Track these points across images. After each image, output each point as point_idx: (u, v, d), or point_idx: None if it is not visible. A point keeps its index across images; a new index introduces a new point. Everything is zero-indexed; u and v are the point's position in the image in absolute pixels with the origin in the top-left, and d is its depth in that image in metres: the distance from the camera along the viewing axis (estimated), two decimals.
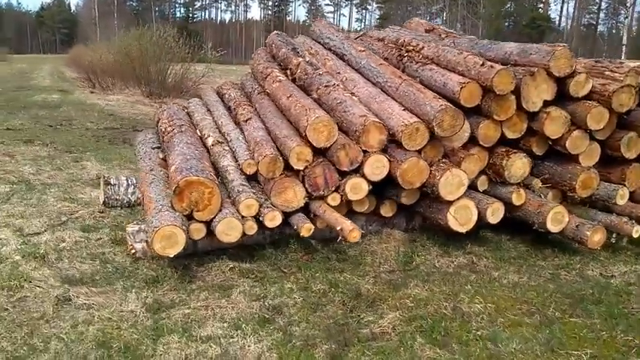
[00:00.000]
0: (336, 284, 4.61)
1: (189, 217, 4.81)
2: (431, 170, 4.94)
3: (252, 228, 4.87)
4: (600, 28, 58.65)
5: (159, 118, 7.25)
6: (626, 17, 37.26)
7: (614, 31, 60.42)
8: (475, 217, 5.08)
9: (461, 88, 5.10)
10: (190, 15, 78.82)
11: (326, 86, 5.74)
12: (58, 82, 25.69)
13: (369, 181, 5.00)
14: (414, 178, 4.95)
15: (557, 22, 60.23)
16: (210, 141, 6.21)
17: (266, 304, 4.36)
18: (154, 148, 6.76)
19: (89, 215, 6.25)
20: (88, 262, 5.04)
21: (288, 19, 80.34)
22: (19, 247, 5.17)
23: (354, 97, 5.46)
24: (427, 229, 5.76)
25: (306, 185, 4.94)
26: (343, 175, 5.01)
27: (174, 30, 22.00)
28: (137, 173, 7.68)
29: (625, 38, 34.55)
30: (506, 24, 52.29)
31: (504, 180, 5.31)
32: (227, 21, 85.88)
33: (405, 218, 5.72)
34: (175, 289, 4.59)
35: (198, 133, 6.55)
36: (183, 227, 4.48)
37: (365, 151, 4.95)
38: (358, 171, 4.98)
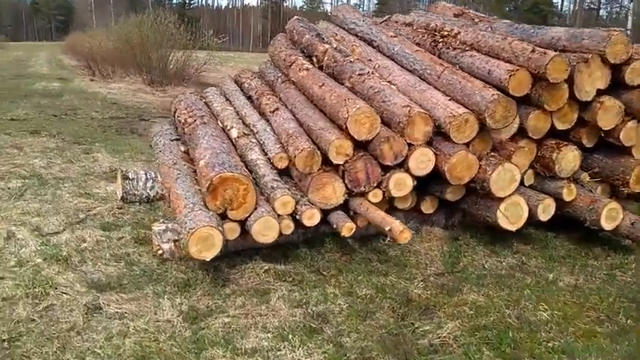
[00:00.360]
0: (383, 289, 4.30)
1: (222, 216, 4.48)
2: (480, 165, 4.61)
3: (289, 227, 4.55)
4: (601, 12, 58.24)
5: (176, 109, 6.90)
6: (632, 1, 36.80)
7: (613, 16, 59.98)
8: (526, 215, 4.76)
9: (510, 76, 4.76)
10: (187, 1, 77.99)
11: (360, 74, 5.39)
12: (56, 70, 25.20)
13: (414, 177, 4.67)
14: (463, 173, 4.63)
15: (559, 7, 59.77)
16: (234, 133, 5.87)
17: (309, 311, 4.05)
18: (173, 140, 6.43)
19: (108, 212, 5.91)
20: (112, 264, 4.71)
21: (285, 4, 79.68)
22: (39, 248, 4.84)
23: (392, 86, 5.12)
24: (468, 225, 5.45)
25: (346, 181, 4.61)
26: (385, 169, 4.69)
27: (175, 16, 21.56)
28: (153, 166, 7.38)
29: (629, 23, 34.13)
30: (507, 9, 51.77)
31: (554, 174, 4.99)
32: (223, 7, 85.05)
33: (444, 215, 5.40)
34: (209, 294, 4.28)
35: (220, 125, 6.21)
36: (220, 228, 4.15)
37: (409, 144, 4.62)
38: (402, 165, 4.65)
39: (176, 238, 4.83)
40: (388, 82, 5.20)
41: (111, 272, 4.55)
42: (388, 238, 4.36)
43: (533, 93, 4.86)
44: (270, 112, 5.76)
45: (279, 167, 5.11)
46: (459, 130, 4.57)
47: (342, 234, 4.54)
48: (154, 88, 19.04)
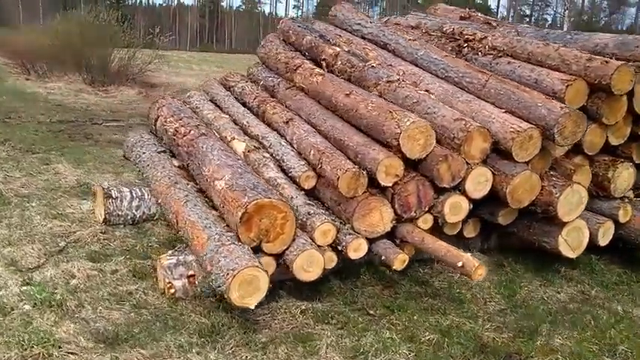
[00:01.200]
0: (448, 332, 3.71)
1: (255, 250, 3.77)
2: (543, 186, 4.09)
3: (332, 260, 3.91)
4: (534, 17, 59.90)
5: (157, 115, 6.08)
6: (566, 9, 37.77)
7: (541, 22, 61.86)
8: (587, 240, 4.29)
9: (567, 86, 4.27)
10: None
11: (388, 81, 4.79)
12: None
13: (470, 199, 4.11)
14: (524, 195, 4.10)
15: (496, 12, 61.05)
16: (241, 146, 5.14)
17: None
18: (159, 153, 5.64)
19: (90, 237, 5.06)
20: (115, 307, 3.92)
21: (222, 4, 77.98)
22: (22, 289, 3.98)
23: (431, 96, 4.53)
24: (506, 249, 4.94)
25: (396, 205, 3.99)
26: (438, 192, 4.10)
27: (119, 13, 20.40)
28: (128, 180, 6.55)
29: (565, 27, 35.01)
30: None
31: (608, 194, 4.53)
32: (158, 5, 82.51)
33: (479, 237, 4.86)
34: (244, 344, 3.58)
35: (217, 136, 5.46)
36: (264, 269, 3.45)
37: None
38: (457, 187, 4.08)
39: (190, 273, 4.09)
40: (426, 90, 4.61)
41: (117, 319, 3.77)
42: (456, 269, 3.75)
43: (590, 105, 4.38)
44: (284, 122, 5.07)
45: (306, 187, 4.46)
46: (522, 147, 4.04)
47: (394, 267, 3.92)
48: (96, 88, 17.81)
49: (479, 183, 4.06)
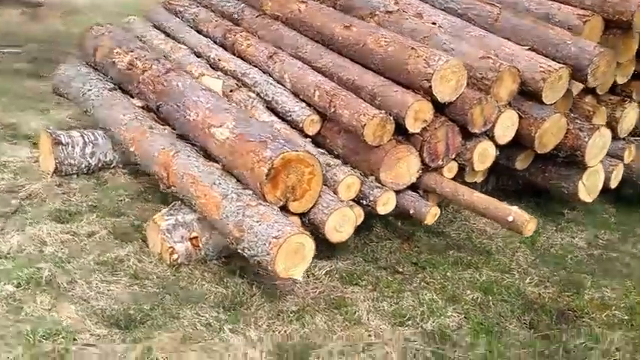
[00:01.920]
0: (488, 289, 3.52)
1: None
2: (569, 129, 3.91)
3: (360, 217, 3.56)
4: None
5: (97, 46, 5.28)
6: None
7: None
8: (602, 184, 4.20)
9: (584, 22, 4.05)
10: None
11: (387, 12, 4.36)
12: None
13: (497, 145, 3.86)
14: (551, 140, 3.91)
15: None
16: (216, 84, 4.55)
17: (422, 329, 3.16)
18: (110, 90, 4.92)
19: (46, 192, 4.34)
20: (112, 279, 3.39)
21: None
22: None
23: (440, 29, 4.17)
24: (501, 190, 4.78)
25: (425, 154, 3.66)
26: (464, 138, 3.81)
27: None
28: (50, 117, 5.74)
29: None
30: None
31: (615, 134, 4.43)
32: None
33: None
34: (276, 315, 3.21)
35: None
36: (309, 234, 3.04)
37: None
38: (486, 132, 3.80)
39: (193, 235, 3.60)
40: (433, 22, 4.22)
41: (119, 294, 3.25)
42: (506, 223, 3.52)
43: (603, 42, 4.20)
44: (267, 56, 4.52)
45: (310, 134, 4.02)
46: (553, 89, 3.79)
47: (425, 222, 3.64)
48: None
49: (506, 127, 3.81)
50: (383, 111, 3.53)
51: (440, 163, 3.75)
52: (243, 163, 3.34)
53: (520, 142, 3.93)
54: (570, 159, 4.00)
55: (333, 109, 3.76)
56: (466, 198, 3.57)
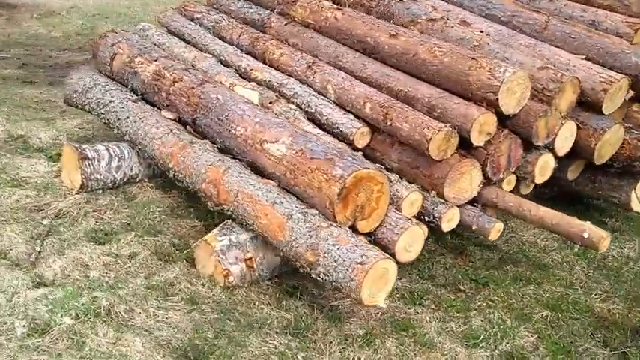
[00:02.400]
0: (556, 305, 3.45)
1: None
2: (625, 139, 3.85)
3: (425, 234, 3.44)
4: None
5: (114, 54, 5.09)
6: None
7: None
8: None
9: (635, 30, 4.00)
10: None
11: (431, 19, 4.26)
12: None
13: (556, 157, 3.79)
14: (608, 150, 3.85)
15: None
16: (252, 95, 4.40)
17: (497, 352, 3.08)
18: (135, 102, 4.72)
19: (75, 210, 4.15)
20: (168, 306, 3.23)
21: None
22: (40, 293, 3.13)
23: (488, 37, 4.08)
24: (536, 198, 4.70)
25: (488, 167, 3.57)
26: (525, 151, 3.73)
27: None
28: (57, 127, 5.52)
29: None
30: None
31: None
32: None
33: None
34: (344, 340, 3.09)
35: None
36: (392, 258, 2.91)
37: None
38: (546, 145, 3.72)
39: (248, 256, 3.46)
40: (480, 31, 4.13)
41: (179, 322, 3.10)
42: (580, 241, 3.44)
43: None
44: (306, 66, 4.38)
45: (359, 147, 3.90)
46: (612, 99, 3.73)
47: (490, 238, 3.55)
48: None
49: (565, 139, 3.74)
50: (448, 124, 3.43)
51: (501, 176, 3.66)
52: (307, 181, 3.20)
53: (577, 153, 3.85)
54: (625, 169, 3.95)
55: (389, 122, 3.64)
56: (533, 213, 3.48)
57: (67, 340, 2.80)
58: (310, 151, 3.28)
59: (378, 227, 3.25)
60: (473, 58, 3.57)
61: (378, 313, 3.36)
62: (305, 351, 2.97)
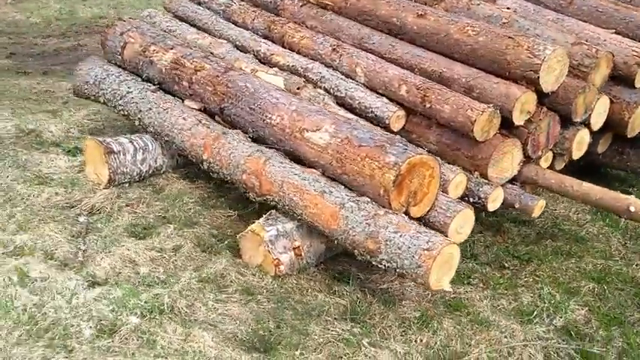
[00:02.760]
0: (601, 278, 3.56)
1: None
2: None
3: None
4: None
5: (124, 42, 5.02)
6: None
7: None
8: None
9: None
10: None
11: None
12: None
13: (591, 132, 3.86)
14: (638, 123, 3.93)
15: None
16: (277, 81, 4.39)
17: (553, 326, 3.18)
18: (154, 92, 4.68)
19: (108, 205, 4.13)
20: (224, 298, 3.27)
21: None
22: (99, 293, 3.14)
23: (515, 13, 4.11)
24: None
25: (529, 146, 3.63)
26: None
27: None
28: (62, 119, 5.46)
29: None
30: None
31: None
32: None
33: None
34: (402, 324, 3.17)
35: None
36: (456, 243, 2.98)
37: None
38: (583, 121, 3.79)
39: (296, 244, 3.49)
40: (507, 7, 4.16)
41: (240, 314, 3.14)
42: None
43: None
44: (331, 49, 4.38)
45: (395, 130, 3.93)
46: None
47: (533, 215, 3.62)
48: None
49: (599, 114, 3.82)
50: (491, 105, 3.47)
51: (539, 154, 3.74)
52: (356, 170, 3.23)
53: (610, 126, 3.94)
54: None
55: (428, 105, 3.68)
56: (576, 189, 3.56)
57: (137, 340, 2.83)
58: (357, 138, 3.30)
59: (428, 211, 3.29)
60: (509, 37, 3.61)
61: (428, 294, 3.44)
62: (368, 336, 3.03)
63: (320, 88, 4.27)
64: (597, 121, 3.83)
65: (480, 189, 3.55)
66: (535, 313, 3.26)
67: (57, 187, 4.33)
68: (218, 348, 2.82)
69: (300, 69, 4.42)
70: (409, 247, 2.85)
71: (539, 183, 3.71)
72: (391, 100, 3.96)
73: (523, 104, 3.51)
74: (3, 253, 3.43)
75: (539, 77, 3.47)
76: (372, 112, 3.95)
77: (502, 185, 3.68)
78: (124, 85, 4.82)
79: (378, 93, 4.03)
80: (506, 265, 3.67)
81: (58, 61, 8.13)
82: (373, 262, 3.06)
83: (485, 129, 3.49)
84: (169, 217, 4.06)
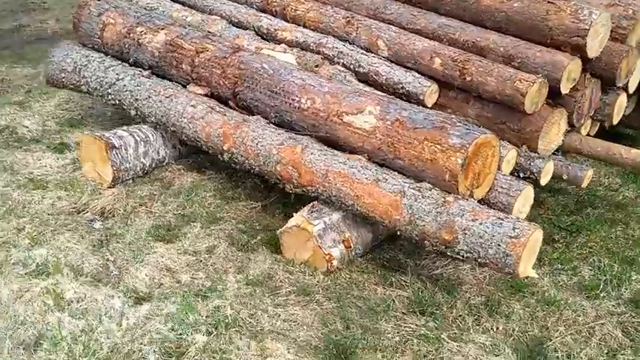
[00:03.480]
0: None
1: None
2: None
3: None
4: None
5: (104, 24, 4.65)
6: None
7: None
8: None
9: None
10: None
11: None
12: None
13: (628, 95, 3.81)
14: None
15: None
16: (288, 59, 4.13)
17: (624, 299, 3.13)
18: (148, 77, 4.35)
19: (119, 206, 3.83)
20: (281, 301, 3.08)
21: None
22: (148, 310, 2.88)
23: None
24: None
25: (574, 115, 3.53)
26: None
27: None
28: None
29: None
30: None
31: None
32: None
33: None
34: (471, 311, 3.06)
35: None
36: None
37: None
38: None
39: (346, 236, 3.31)
40: None
41: (304, 318, 2.98)
42: None
43: None
44: (344, 22, 4.14)
45: (428, 105, 3.76)
46: None
47: (582, 186, 3.55)
48: None
49: (636, 77, 3.75)
50: (539, 75, 3.34)
51: (582, 122, 3.65)
52: (414, 154, 3.05)
53: None
54: None
55: (468, 78, 3.52)
56: (625, 156, 3.51)
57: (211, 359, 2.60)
58: (410, 120, 3.11)
59: (487, 192, 3.16)
60: (549, 2, 3.47)
61: (483, 275, 3.34)
62: (444, 330, 2.91)
63: (337, 64, 4.03)
64: (633, 84, 3.78)
65: (532, 163, 3.45)
66: (600, 287, 3.21)
67: (57, 191, 3.99)
68: (296, 358, 2.63)
69: (312, 45, 4.18)
70: (493, 236, 2.71)
71: (583, 152, 3.64)
72: (421, 74, 3.77)
73: (570, 72, 3.39)
74: (26, 274, 3.10)
75: (586, 43, 3.35)
76: (402, 87, 3.77)
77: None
78: (111, 71, 4.46)
79: (406, 67, 3.83)
80: (555, 238, 3.60)
81: (1, 44, 7.50)
82: (448, 253, 2.91)
83: (534, 100, 3.37)
84: (190, 214, 3.80)
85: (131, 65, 4.50)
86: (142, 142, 4.22)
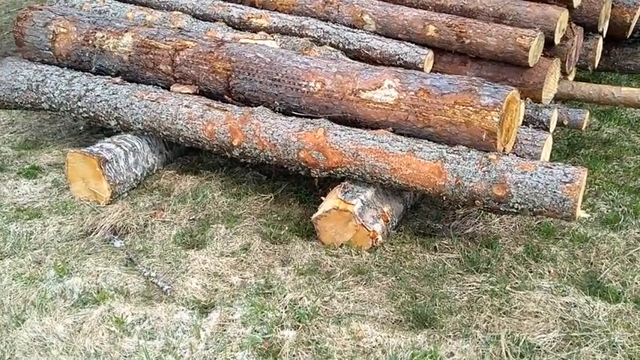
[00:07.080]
0: None
1: None
2: None
3: None
4: None
5: (54, 33, 4.40)
6: None
7: None
8: None
9: None
10: None
11: None
12: None
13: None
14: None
15: None
16: (274, 45, 4.09)
17: None
18: (120, 83, 4.17)
19: (130, 222, 3.67)
20: (343, 290, 3.05)
21: None
22: (218, 315, 2.80)
23: None
24: None
25: (566, 63, 3.74)
26: None
27: None
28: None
29: None
30: None
31: None
32: None
33: None
34: (522, 273, 3.17)
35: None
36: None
37: None
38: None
39: (385, 210, 3.37)
40: None
41: (374, 304, 2.98)
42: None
43: None
44: (324, 1, 4.13)
45: (427, 71, 3.85)
46: None
47: (582, 128, 3.77)
48: None
49: (607, 20, 4.01)
50: (537, 29, 3.50)
51: (571, 68, 3.86)
52: (445, 119, 3.14)
53: (611, 30, 4.16)
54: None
55: (466, 41, 3.63)
56: (617, 95, 3.76)
57: (306, 352, 2.59)
58: (435, 87, 3.19)
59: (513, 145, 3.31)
60: None
61: (515, 227, 3.50)
62: (505, 282, 3.02)
63: (325, 44, 4.03)
64: (605, 28, 4.04)
65: (540, 113, 3.62)
66: (620, 218, 3.44)
67: (54, 217, 3.76)
68: (390, 336, 2.67)
69: (294, 28, 4.15)
70: (547, 184, 2.86)
71: (576, 97, 3.87)
72: (415, 43, 3.85)
73: (561, 23, 3.59)
74: (72, 306, 2.93)
75: None
76: (400, 58, 3.83)
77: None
78: (76, 83, 4.23)
79: (397, 39, 3.89)
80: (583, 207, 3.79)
81: None
82: (501, 208, 3.02)
83: (535, 54, 3.54)
84: (206, 217, 3.72)
85: (95, 74, 4.28)
86: (131, 152, 4.05)
